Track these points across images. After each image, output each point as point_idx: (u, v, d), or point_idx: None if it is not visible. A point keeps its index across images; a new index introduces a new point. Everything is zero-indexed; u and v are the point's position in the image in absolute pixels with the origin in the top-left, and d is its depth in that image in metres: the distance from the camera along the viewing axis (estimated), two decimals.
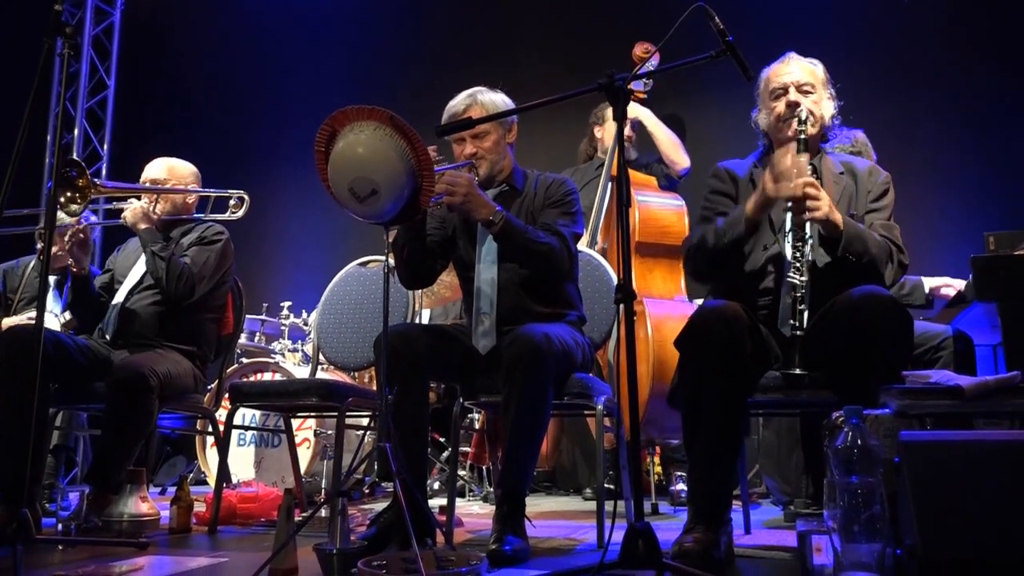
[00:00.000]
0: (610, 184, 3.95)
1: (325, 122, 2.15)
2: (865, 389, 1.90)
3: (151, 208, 3.17)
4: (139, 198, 3.16)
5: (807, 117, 2.33)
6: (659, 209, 3.95)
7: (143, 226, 3.10)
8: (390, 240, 2.38)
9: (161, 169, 3.30)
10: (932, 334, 2.98)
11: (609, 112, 4.18)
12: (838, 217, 2.18)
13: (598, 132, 4.36)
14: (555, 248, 2.49)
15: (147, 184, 3.25)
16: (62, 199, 2.94)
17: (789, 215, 2.25)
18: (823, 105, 2.43)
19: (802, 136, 2.31)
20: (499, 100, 2.65)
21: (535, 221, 2.62)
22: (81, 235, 3.06)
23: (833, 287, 2.20)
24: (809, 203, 2.17)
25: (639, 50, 4.08)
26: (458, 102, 2.65)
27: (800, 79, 2.41)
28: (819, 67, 2.48)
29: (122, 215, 3.14)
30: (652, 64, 3.88)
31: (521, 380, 2.26)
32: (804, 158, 2.25)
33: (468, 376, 2.61)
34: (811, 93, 2.41)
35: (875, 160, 3.45)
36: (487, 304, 2.57)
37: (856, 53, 4.56)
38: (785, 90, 2.41)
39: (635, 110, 4.16)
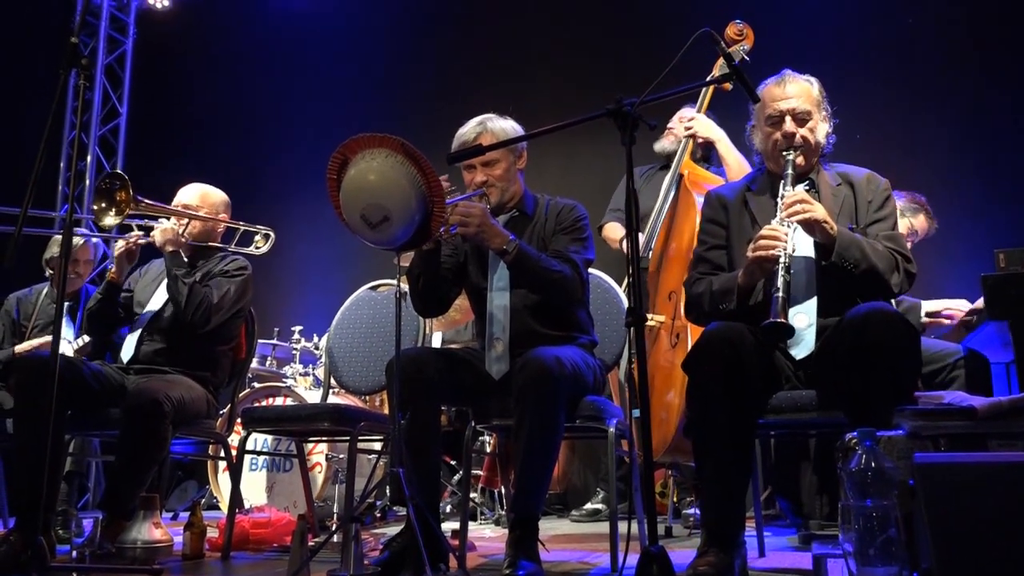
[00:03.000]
0: (674, 189, 3.65)
1: (337, 150, 2.17)
2: (875, 407, 1.89)
3: (181, 231, 3.19)
4: (168, 219, 3.19)
5: (801, 144, 2.38)
6: None
7: (171, 248, 3.11)
8: (401, 265, 2.40)
9: (194, 195, 3.32)
10: (946, 353, 2.97)
11: (689, 111, 3.85)
12: (832, 223, 2.20)
13: (673, 124, 4.02)
14: (567, 276, 2.50)
15: (179, 208, 3.28)
16: (96, 208, 2.99)
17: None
18: (818, 130, 2.43)
19: (790, 158, 2.36)
20: (508, 127, 2.67)
21: (546, 247, 2.63)
22: (134, 246, 3.15)
23: (841, 301, 2.20)
24: (799, 207, 2.20)
25: (732, 31, 3.62)
26: (468, 130, 2.67)
27: (796, 106, 2.39)
28: (815, 85, 2.46)
29: (151, 234, 3.16)
30: (744, 48, 3.63)
31: (533, 403, 2.27)
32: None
33: (480, 399, 2.61)
34: (807, 120, 2.40)
35: (935, 228, 3.45)
36: (500, 329, 2.57)
37: (863, 71, 4.59)
38: (782, 117, 2.40)
39: (708, 130, 3.71)
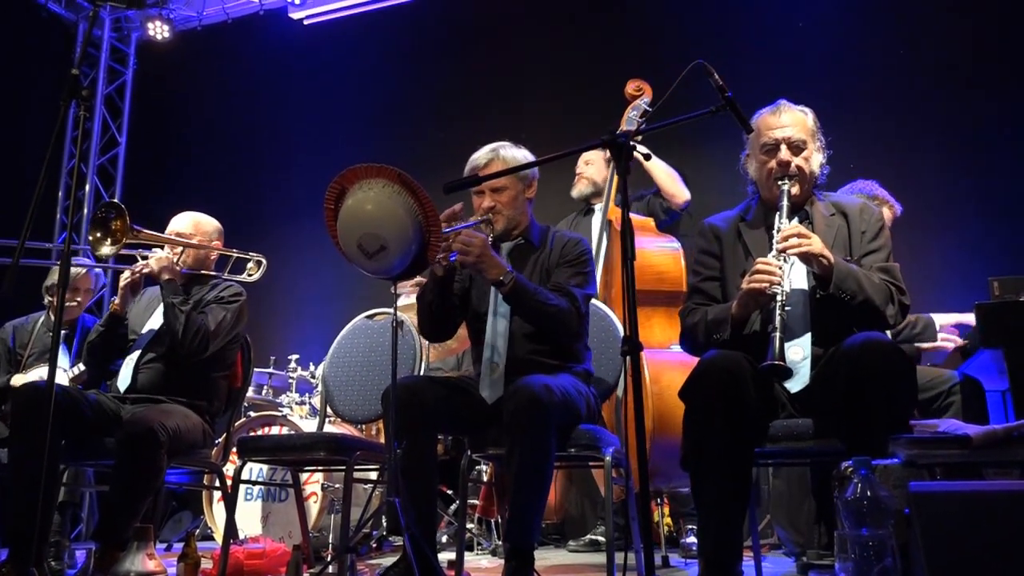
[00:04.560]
0: (605, 233, 3.90)
1: (335, 180, 2.19)
2: (870, 437, 1.89)
3: (176, 260, 3.20)
4: (163, 247, 3.20)
5: (796, 173, 2.39)
6: (654, 253, 3.81)
7: (166, 276, 3.12)
8: (397, 293, 2.41)
9: (187, 223, 3.34)
10: (942, 380, 2.97)
11: (589, 154, 4.18)
12: (828, 255, 2.21)
13: (580, 169, 4.26)
14: (563, 310, 2.51)
15: (174, 236, 3.29)
16: (92, 239, 2.99)
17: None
18: (813, 160, 2.43)
19: (785, 188, 2.37)
20: (520, 156, 2.69)
21: (549, 278, 2.64)
22: (139, 277, 3.14)
23: (835, 333, 2.21)
24: (795, 240, 2.20)
25: (631, 87, 4.02)
26: (480, 156, 2.70)
27: (792, 135, 2.40)
28: (810, 116, 2.47)
29: (147, 262, 3.16)
30: (644, 101, 3.97)
31: (522, 431, 2.26)
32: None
33: (476, 428, 2.61)
34: (802, 149, 2.41)
35: (899, 212, 3.49)
36: (497, 355, 2.58)
37: (855, 101, 4.63)
38: (776, 146, 2.41)
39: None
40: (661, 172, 4.13)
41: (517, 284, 2.46)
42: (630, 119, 3.95)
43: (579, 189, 4.23)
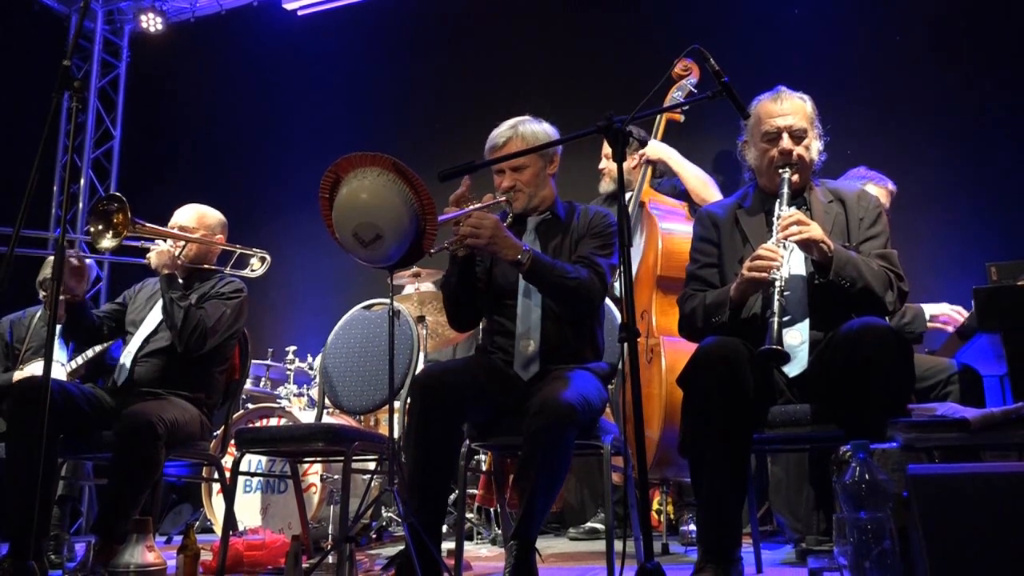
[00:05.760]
0: (637, 217, 3.88)
1: (329, 169, 2.18)
2: (868, 421, 1.89)
3: (177, 253, 3.18)
4: (165, 241, 3.17)
5: (797, 162, 2.39)
6: (683, 240, 3.58)
7: (167, 271, 3.10)
8: (394, 283, 2.40)
9: (191, 216, 3.32)
10: (940, 369, 2.97)
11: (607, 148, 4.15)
12: (829, 242, 2.20)
13: (603, 164, 4.23)
14: (584, 282, 2.46)
15: (175, 229, 3.27)
16: (92, 230, 2.96)
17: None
18: (812, 148, 2.43)
19: (786, 176, 2.36)
20: (540, 131, 2.64)
21: (578, 249, 2.62)
22: (74, 261, 3.01)
23: (834, 318, 2.21)
24: (796, 227, 2.20)
25: (679, 67, 3.98)
26: (499, 133, 2.65)
27: (793, 123, 2.39)
28: (808, 103, 2.46)
29: (147, 256, 3.14)
30: (691, 82, 3.99)
31: (544, 451, 2.22)
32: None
33: (495, 420, 2.55)
34: (803, 138, 2.40)
35: (893, 191, 3.49)
36: (530, 329, 2.54)
37: (852, 86, 4.62)
38: (778, 134, 2.40)
39: (659, 151, 3.99)
40: (691, 176, 4.01)
41: (535, 262, 2.41)
42: (674, 98, 3.94)
43: (604, 186, 4.16)
